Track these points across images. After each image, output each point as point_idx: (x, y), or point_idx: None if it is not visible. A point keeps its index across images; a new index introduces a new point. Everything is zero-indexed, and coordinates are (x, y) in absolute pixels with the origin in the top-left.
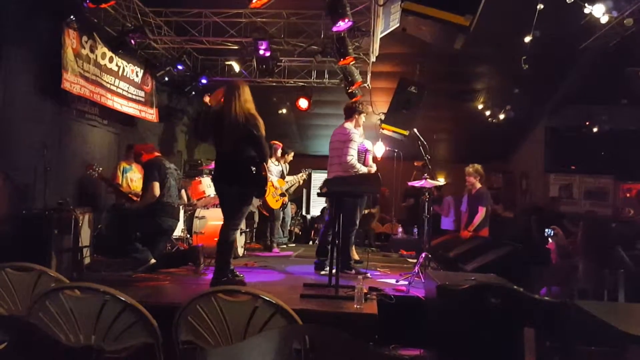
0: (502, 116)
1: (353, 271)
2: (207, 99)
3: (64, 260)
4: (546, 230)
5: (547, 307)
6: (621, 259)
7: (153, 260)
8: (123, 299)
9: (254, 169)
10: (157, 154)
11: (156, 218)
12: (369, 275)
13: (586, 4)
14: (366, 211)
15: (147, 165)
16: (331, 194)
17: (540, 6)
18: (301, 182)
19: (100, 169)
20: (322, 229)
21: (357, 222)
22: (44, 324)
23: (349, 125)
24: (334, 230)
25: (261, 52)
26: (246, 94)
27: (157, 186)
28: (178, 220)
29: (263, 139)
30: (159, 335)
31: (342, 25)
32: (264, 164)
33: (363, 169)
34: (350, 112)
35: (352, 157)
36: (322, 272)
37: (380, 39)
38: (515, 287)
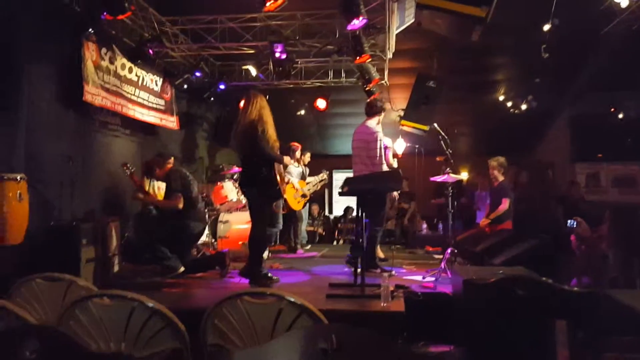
0: (524, 107)
1: (378, 269)
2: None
3: (93, 269)
4: (569, 221)
5: (578, 298)
6: None
7: (182, 269)
8: (151, 305)
9: (264, 169)
10: (170, 165)
11: (191, 224)
12: (394, 273)
13: None
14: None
15: (169, 177)
16: (352, 192)
17: None
18: (319, 187)
19: (134, 169)
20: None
21: (383, 222)
22: (74, 332)
23: (372, 123)
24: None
25: (277, 54)
26: (262, 101)
27: (181, 198)
28: (207, 224)
29: (260, 139)
30: (187, 340)
31: (357, 23)
32: (274, 164)
33: (386, 168)
34: (373, 110)
35: (381, 156)
36: (348, 267)
37: (396, 35)
38: (544, 278)
